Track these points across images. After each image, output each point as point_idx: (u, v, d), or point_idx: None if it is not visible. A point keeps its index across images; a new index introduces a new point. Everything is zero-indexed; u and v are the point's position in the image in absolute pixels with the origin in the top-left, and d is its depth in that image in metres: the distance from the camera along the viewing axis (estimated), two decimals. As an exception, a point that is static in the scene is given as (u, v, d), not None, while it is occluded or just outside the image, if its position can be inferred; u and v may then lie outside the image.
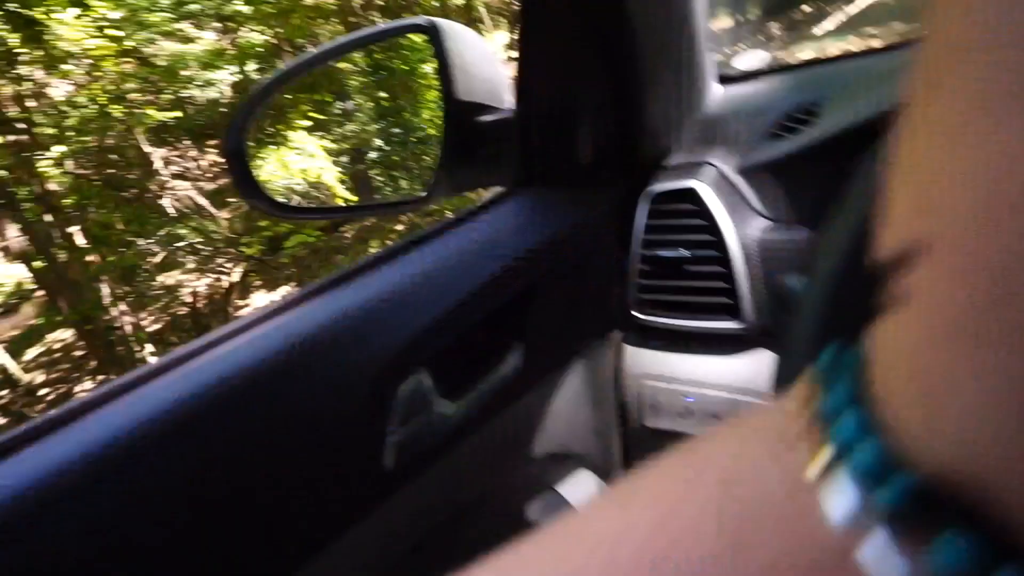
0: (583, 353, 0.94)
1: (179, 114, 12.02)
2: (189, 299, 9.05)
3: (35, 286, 12.25)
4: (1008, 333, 0.14)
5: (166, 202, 9.87)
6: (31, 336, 12.65)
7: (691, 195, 0.92)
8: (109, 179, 9.75)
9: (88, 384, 11.76)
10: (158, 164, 10.46)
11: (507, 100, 0.97)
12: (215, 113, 14.16)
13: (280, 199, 1.14)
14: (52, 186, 9.23)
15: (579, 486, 0.88)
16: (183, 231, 9.73)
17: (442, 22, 0.92)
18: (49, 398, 11.43)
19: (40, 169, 8.84)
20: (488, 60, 0.97)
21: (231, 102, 16.35)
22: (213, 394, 0.55)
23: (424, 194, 0.95)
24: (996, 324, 0.14)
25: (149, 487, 0.50)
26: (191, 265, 10.49)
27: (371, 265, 0.75)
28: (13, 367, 11.26)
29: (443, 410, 0.72)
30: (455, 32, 0.92)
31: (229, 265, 9.16)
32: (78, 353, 12.10)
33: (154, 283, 10.14)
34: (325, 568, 0.62)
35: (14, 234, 9.74)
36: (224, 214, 11.20)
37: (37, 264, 9.66)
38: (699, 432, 0.85)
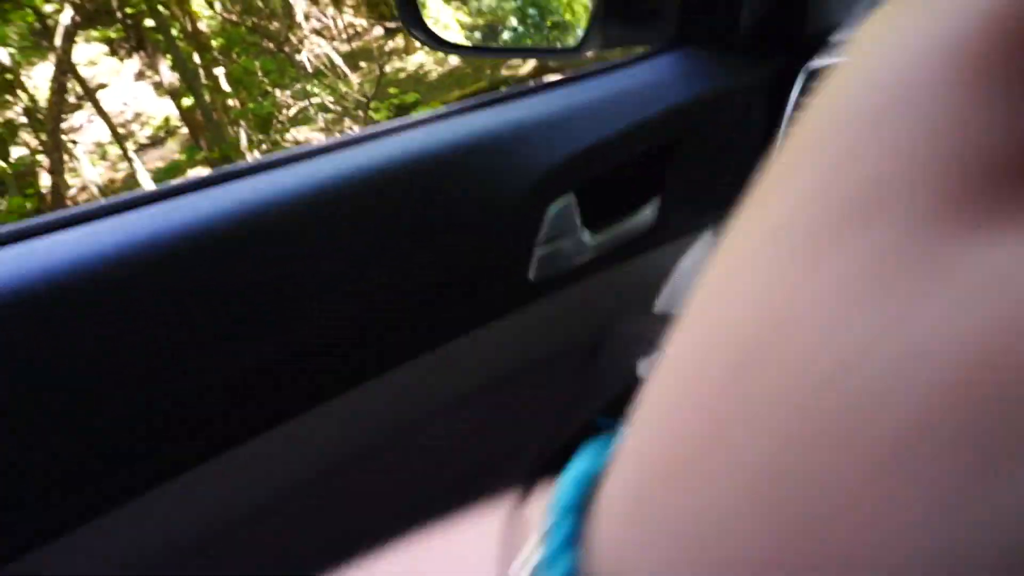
0: (716, 221, 0.92)
1: (324, -31, 12.07)
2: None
3: (180, 123, 13.08)
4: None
5: (303, 57, 10.10)
6: (173, 170, 13.63)
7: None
8: (254, 26, 10.04)
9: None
10: (299, 18, 10.66)
11: None
12: (358, -28, 14.07)
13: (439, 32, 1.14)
14: (202, 26, 9.63)
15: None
16: (316, 88, 9.99)
17: None
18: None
19: (192, 8, 9.21)
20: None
21: (375, -37, 16.17)
22: (364, 181, 0.59)
23: (576, 45, 0.93)
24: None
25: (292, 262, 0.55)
26: (320, 123, 10.85)
27: (527, 92, 0.76)
28: (157, 195, 12.22)
29: (583, 238, 0.74)
30: None
31: (356, 128, 9.39)
32: (213, 191, 12.97)
33: (286, 135, 10.59)
34: (452, 358, 0.67)
35: (166, 71, 10.28)
36: (356, 77, 11.40)
37: (184, 101, 10.26)
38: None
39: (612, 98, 0.78)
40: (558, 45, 1.02)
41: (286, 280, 0.55)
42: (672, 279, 0.90)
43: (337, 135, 9.51)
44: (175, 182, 0.56)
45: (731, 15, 0.89)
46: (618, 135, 0.75)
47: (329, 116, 10.61)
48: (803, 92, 0.88)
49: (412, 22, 1.04)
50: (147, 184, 11.80)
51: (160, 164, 14.25)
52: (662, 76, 0.85)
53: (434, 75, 16.10)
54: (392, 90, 9.97)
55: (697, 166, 0.86)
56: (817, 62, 0.89)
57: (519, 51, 1.06)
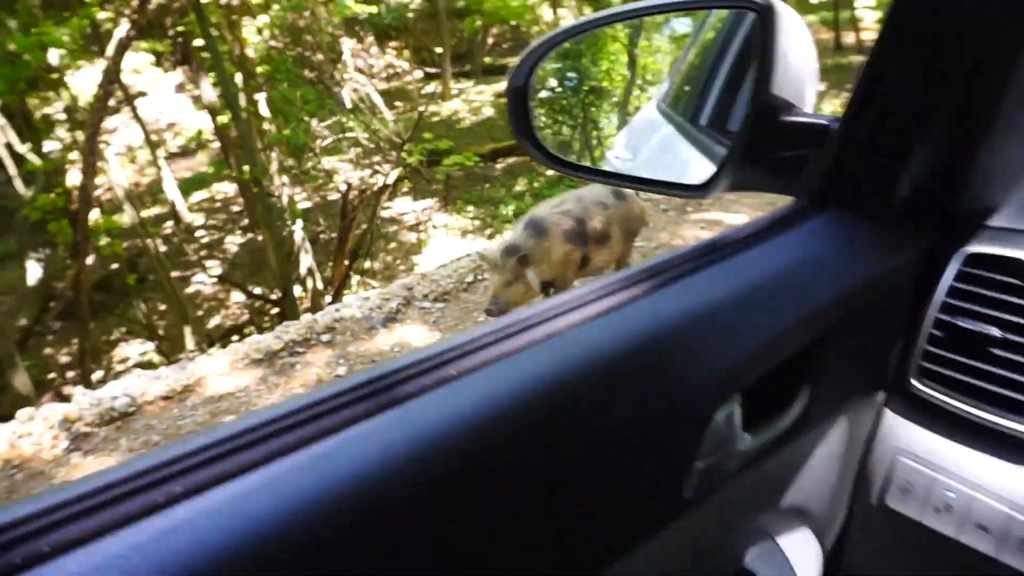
0: (847, 408, 0.85)
1: (374, 9, 12.37)
2: (343, 187, 9.43)
3: (213, 138, 13.28)
4: None
5: (344, 92, 10.23)
6: (199, 182, 13.77)
7: (1019, 268, 0.79)
8: (299, 57, 10.21)
9: (237, 239, 12.72)
10: (346, 55, 10.85)
11: (810, 102, 0.87)
12: (403, 15, 14.40)
13: (552, 150, 1.10)
14: (250, 52, 9.80)
15: (799, 545, 0.81)
16: (353, 123, 10.10)
17: (779, 4, 0.83)
18: (203, 240, 12.45)
19: (242, 35, 9.38)
20: (808, 56, 0.87)
21: (420, 8, 16.56)
22: (524, 393, 0.52)
23: (702, 183, 0.88)
24: None
25: (460, 482, 0.48)
26: (350, 155, 10.94)
27: (676, 269, 0.69)
28: (181, 204, 12.32)
29: (742, 444, 0.67)
30: (787, 19, 0.82)
31: (386, 167, 9.44)
32: (235, 208, 13.07)
33: (317, 165, 10.63)
34: None
35: (207, 88, 10.42)
36: (390, 115, 11.54)
37: (220, 119, 10.40)
38: (952, 534, 0.73)
39: (774, 278, 0.71)
40: (683, 181, 0.96)
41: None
42: (811, 470, 0.83)
43: (365, 170, 9.53)
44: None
45: (888, 181, 0.83)
46: (786, 329, 0.69)
47: (360, 151, 10.71)
48: (959, 278, 0.82)
49: (524, 132, 1.01)
50: (171, 190, 11.90)
51: (187, 174, 14.38)
52: (817, 250, 0.79)
53: (467, 123, 16.33)
54: (427, 135, 10.06)
55: (845, 347, 0.79)
56: (975, 247, 0.83)
57: (637, 181, 1.00)
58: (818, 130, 0.84)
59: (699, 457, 0.63)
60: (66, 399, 9.09)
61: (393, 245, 12.96)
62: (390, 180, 9.32)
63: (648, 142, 1.76)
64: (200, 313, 11.35)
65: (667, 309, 0.63)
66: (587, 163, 1.29)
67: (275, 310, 10.99)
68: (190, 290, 11.94)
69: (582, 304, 0.62)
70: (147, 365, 10.03)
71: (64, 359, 10.52)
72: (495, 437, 0.51)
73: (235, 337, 10.74)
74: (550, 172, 14.60)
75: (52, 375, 10.04)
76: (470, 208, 13.83)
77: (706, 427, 0.63)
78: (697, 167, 1.22)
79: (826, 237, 0.82)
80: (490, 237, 12.58)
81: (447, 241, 11.46)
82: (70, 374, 10.03)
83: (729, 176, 0.88)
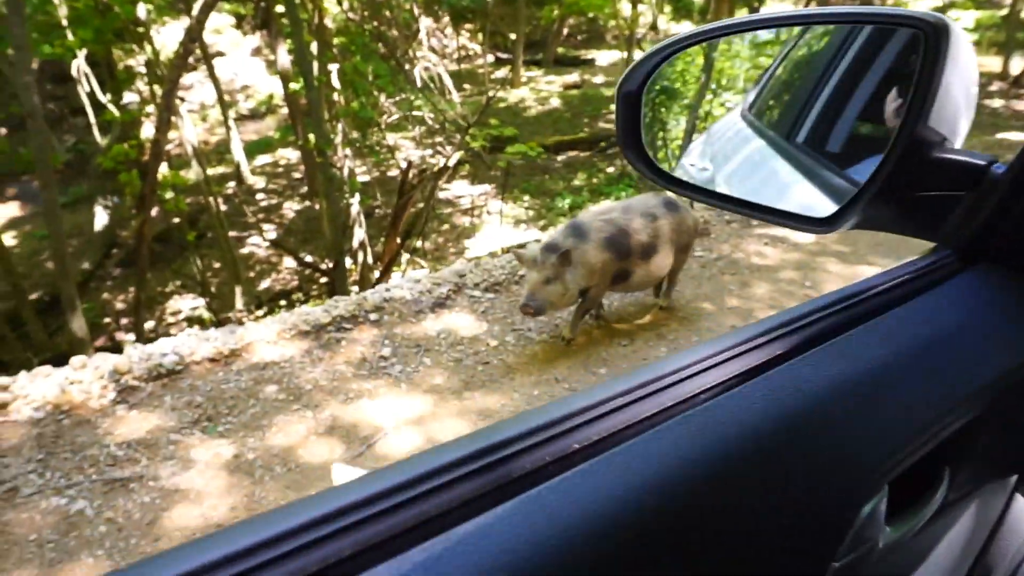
0: (981, 491, 0.75)
1: (452, -11, 12.34)
2: (403, 164, 9.43)
3: (283, 104, 13.46)
4: None
5: (416, 70, 10.22)
6: (266, 145, 14.01)
7: None
8: (375, 32, 10.24)
9: (294, 205, 12.90)
10: (422, 34, 10.84)
11: (962, 137, 0.77)
12: (483, -1, 14.30)
13: (661, 166, 1.02)
14: (328, 22, 9.87)
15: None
16: (421, 102, 10.09)
17: (953, 25, 0.72)
18: (262, 203, 12.65)
19: (323, 4, 9.43)
20: (971, 85, 0.76)
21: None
22: (660, 482, 0.44)
23: (827, 216, 0.78)
24: None
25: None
26: (414, 134, 10.96)
27: (817, 323, 0.60)
28: (245, 166, 12.55)
29: (883, 540, 0.57)
30: (958, 42, 0.71)
31: (448, 148, 9.41)
32: (296, 175, 13.25)
33: (381, 141, 10.68)
34: None
35: (283, 54, 10.52)
36: (458, 96, 11.49)
37: (292, 86, 10.51)
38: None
39: (928, 345, 0.61)
40: (805, 213, 0.86)
41: None
42: (935, 558, 0.73)
43: (425, 146, 9.53)
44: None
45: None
46: (945, 409, 0.59)
47: (423, 130, 10.72)
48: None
49: (629, 143, 0.93)
50: (237, 151, 12.12)
51: (254, 137, 14.63)
52: (975, 313, 0.68)
53: (533, 112, 16.22)
54: (493, 120, 9.99)
55: (995, 432, 0.69)
56: None
57: (756, 208, 0.90)
58: (974, 171, 0.74)
59: (838, 557, 0.54)
60: (119, 346, 9.37)
61: (446, 227, 12.98)
62: (451, 162, 9.28)
63: (734, 155, 1.65)
64: (252, 275, 11.56)
65: (813, 378, 0.54)
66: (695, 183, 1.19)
67: (324, 280, 11.13)
68: (244, 251, 12.17)
69: (715, 360, 0.54)
70: (197, 320, 10.26)
71: (120, 306, 10.84)
72: (629, 531, 0.43)
73: (283, 302, 10.91)
74: (610, 169, 14.44)
75: (107, 320, 10.36)
76: (526, 198, 13.76)
77: (851, 525, 0.54)
78: (800, 191, 1.12)
79: (984, 298, 0.71)
80: (543, 228, 12.50)
81: (500, 229, 11.40)
82: (124, 321, 10.33)
83: (860, 212, 0.78)
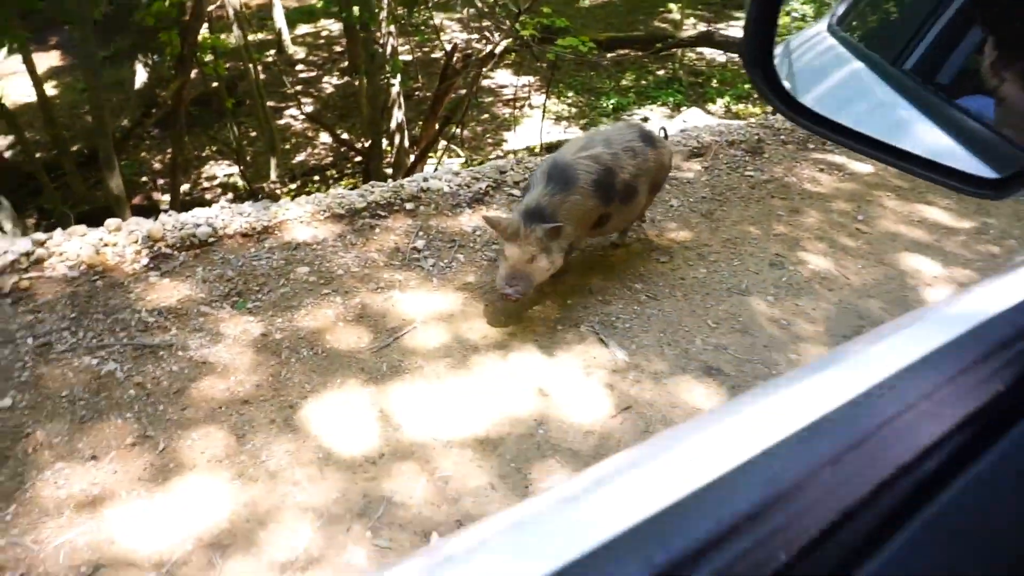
0: None
1: None
2: (448, 47, 9.05)
3: (328, -30, 12.87)
4: None
5: (470, -56, 9.62)
6: (308, 14, 13.52)
7: None
8: None
9: (334, 80, 12.57)
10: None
11: None
12: None
13: (797, 98, 0.88)
14: None
15: None
16: (471, -20, 9.56)
17: None
18: (301, 74, 12.35)
19: None
20: None
21: None
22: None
23: (997, 178, 0.66)
24: None
25: None
26: (461, 14, 10.46)
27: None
28: (286, 34, 12.16)
29: None
30: None
31: (496, 35, 8.97)
32: (338, 49, 12.84)
33: (428, 21, 10.21)
34: None
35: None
36: (511, -20, 10.86)
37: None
38: None
39: None
40: (970, 172, 0.70)
41: None
42: None
43: (473, 30, 9.07)
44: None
45: None
46: None
47: (472, 12, 10.21)
48: None
49: (758, 63, 0.81)
50: (279, 18, 11.72)
51: (296, 4, 14.11)
52: None
53: (587, 3, 15.38)
54: (545, 9, 9.46)
55: None
56: None
57: (902, 157, 0.73)
58: None
59: None
60: (155, 204, 9.42)
61: (485, 117, 12.63)
62: (497, 49, 8.87)
63: (825, 75, 1.47)
64: (287, 147, 11.44)
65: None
66: (848, 123, 0.96)
67: (358, 159, 10.98)
68: (281, 122, 12.00)
69: (894, 396, 0.38)
70: (231, 187, 10.26)
71: (157, 165, 10.86)
72: None
73: (316, 178, 10.85)
74: (661, 72, 13.77)
75: (144, 179, 10.40)
76: (570, 94, 13.27)
77: None
78: (924, 132, 0.97)
79: None
80: (583, 127, 12.12)
81: (541, 124, 11.04)
82: (160, 181, 10.36)
83: None
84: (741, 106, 12.55)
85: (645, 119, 12.30)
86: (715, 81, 13.39)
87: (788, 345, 3.05)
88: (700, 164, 4.80)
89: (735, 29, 14.41)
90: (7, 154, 10.05)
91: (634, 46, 13.77)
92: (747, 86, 13.30)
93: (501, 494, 2.23)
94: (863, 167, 4.96)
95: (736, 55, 13.25)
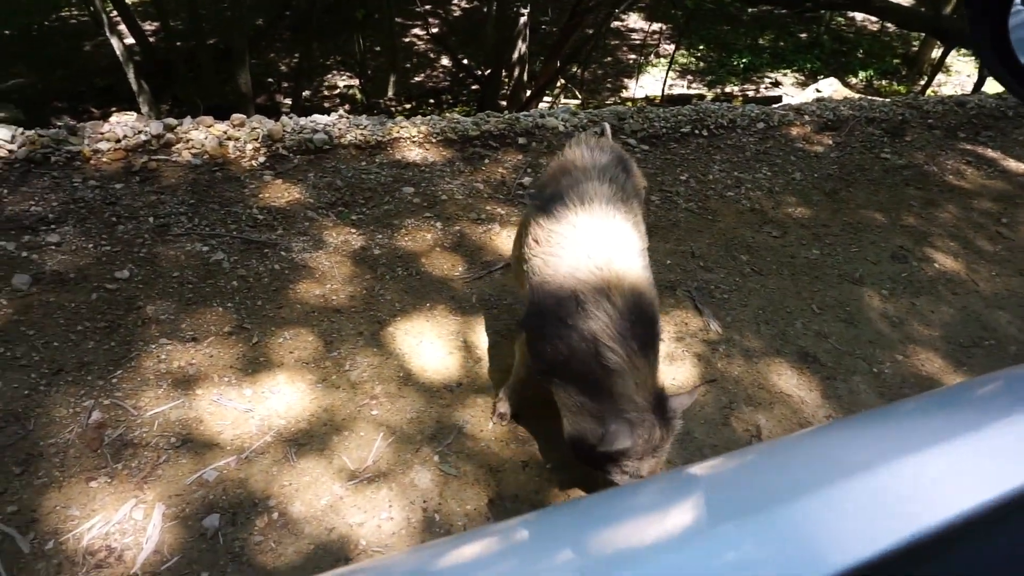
0: None
1: None
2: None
3: None
4: None
5: None
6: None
7: None
8: None
9: (463, 3, 12.41)
10: None
11: None
12: None
13: None
14: None
15: None
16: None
17: None
18: (430, -4, 12.24)
19: None
20: None
21: None
22: None
23: None
24: None
25: None
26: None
27: None
28: (421, -48, 12.04)
29: None
30: None
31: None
32: (471, -28, 12.63)
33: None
34: None
35: None
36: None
37: None
38: None
39: None
40: None
41: None
42: None
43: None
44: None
45: None
46: None
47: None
48: None
49: (986, 34, 0.71)
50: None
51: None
52: None
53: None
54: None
55: None
56: None
57: None
58: None
59: None
60: (277, 106, 9.69)
61: (608, 60, 12.23)
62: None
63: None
64: (408, 66, 11.48)
65: None
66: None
67: (475, 87, 10.91)
68: (405, 40, 12.02)
69: None
70: (350, 99, 10.44)
71: (283, 69, 11.16)
72: None
73: (431, 100, 10.87)
74: (803, 35, 12.86)
75: (270, 80, 10.72)
76: (702, 47, 12.63)
77: None
78: None
79: None
80: (709, 86, 11.55)
81: (665, 74, 10.60)
82: (285, 85, 10.66)
83: None
84: (885, 82, 11.62)
85: (776, 83, 11.59)
86: (861, 52, 12.43)
87: (896, 344, 2.85)
88: (832, 139, 4.48)
89: (896, -3, 13.21)
90: (152, 39, 10.55)
91: (779, 2, 12.90)
92: (896, 60, 12.27)
93: (570, 444, 2.21)
94: (1019, 165, 4.50)
95: (893, 24, 12.18)
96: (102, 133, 3.19)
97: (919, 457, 0.59)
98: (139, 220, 2.82)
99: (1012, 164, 4.52)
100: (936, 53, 11.15)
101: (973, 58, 11.87)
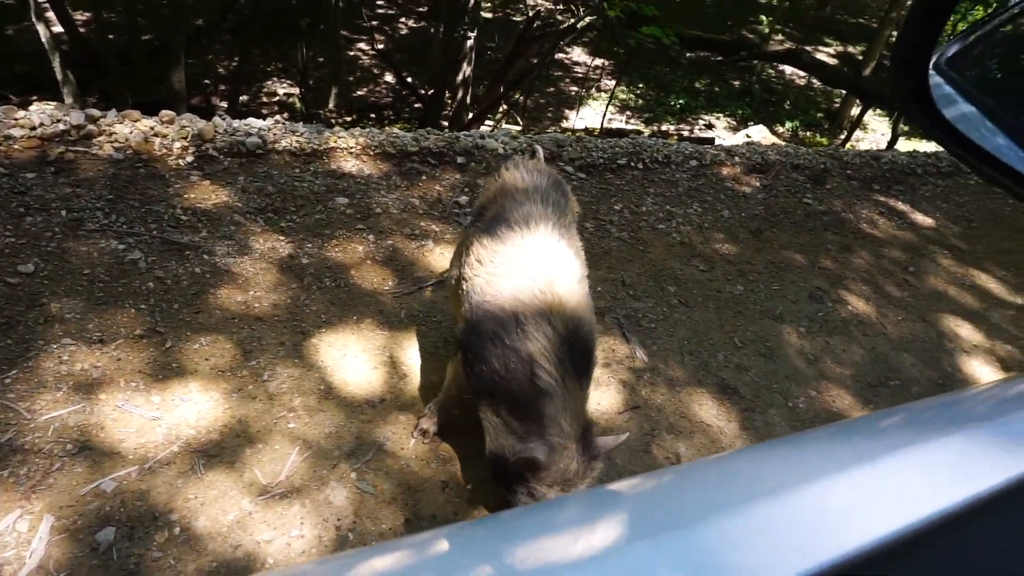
0: None
1: None
2: (531, 12, 8.87)
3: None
4: None
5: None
6: (398, -49, 13.34)
7: None
8: None
9: (411, 22, 12.43)
10: None
11: None
12: None
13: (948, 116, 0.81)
14: None
15: None
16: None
17: None
18: (380, 9, 12.23)
19: None
20: None
21: None
22: None
23: None
24: None
25: None
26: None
27: None
28: (371, -33, 12.01)
29: None
30: None
31: (582, 10, 8.79)
32: (420, -8, 12.68)
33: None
34: None
35: None
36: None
37: None
38: None
39: None
40: None
41: None
42: None
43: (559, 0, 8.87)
44: None
45: None
46: None
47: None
48: None
49: (909, 64, 0.74)
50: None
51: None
52: None
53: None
54: (637, -8, 9.22)
55: None
56: None
57: None
58: None
59: None
60: (212, 109, 9.41)
61: (551, 90, 12.44)
62: (580, 24, 8.69)
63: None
64: (351, 79, 11.38)
65: None
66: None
67: (418, 106, 10.89)
68: (350, 54, 11.92)
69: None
70: (288, 107, 10.25)
71: (221, 71, 10.87)
72: None
73: (372, 115, 10.78)
74: (736, 83, 13.44)
75: (207, 82, 10.42)
76: (641, 85, 13.01)
77: None
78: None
79: None
80: (647, 123, 11.90)
81: (605, 108, 10.85)
82: (222, 88, 10.37)
83: None
84: (809, 133, 12.23)
85: (710, 125, 12.03)
86: (788, 103, 13.06)
87: (811, 381, 2.95)
88: (759, 181, 4.66)
89: (823, 55, 13.99)
90: (83, 30, 10.12)
91: (716, 49, 13.42)
92: (819, 114, 12.96)
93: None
94: (925, 219, 4.78)
95: (818, 80, 12.87)
96: (16, 119, 3.01)
97: (826, 481, 0.61)
98: (50, 212, 2.66)
99: (919, 217, 4.80)
100: (855, 111, 11.83)
101: (888, 118, 12.65)
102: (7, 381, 2.01)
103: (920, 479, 0.59)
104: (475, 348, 1.79)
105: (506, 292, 1.77)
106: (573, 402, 1.70)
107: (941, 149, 7.80)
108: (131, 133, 3.16)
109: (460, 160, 3.85)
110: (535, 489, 1.67)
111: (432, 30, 11.61)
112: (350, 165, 3.53)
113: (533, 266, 1.80)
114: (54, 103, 5.52)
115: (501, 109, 10.32)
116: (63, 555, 1.65)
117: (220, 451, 1.99)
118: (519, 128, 10.30)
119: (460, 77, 9.23)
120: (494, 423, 1.75)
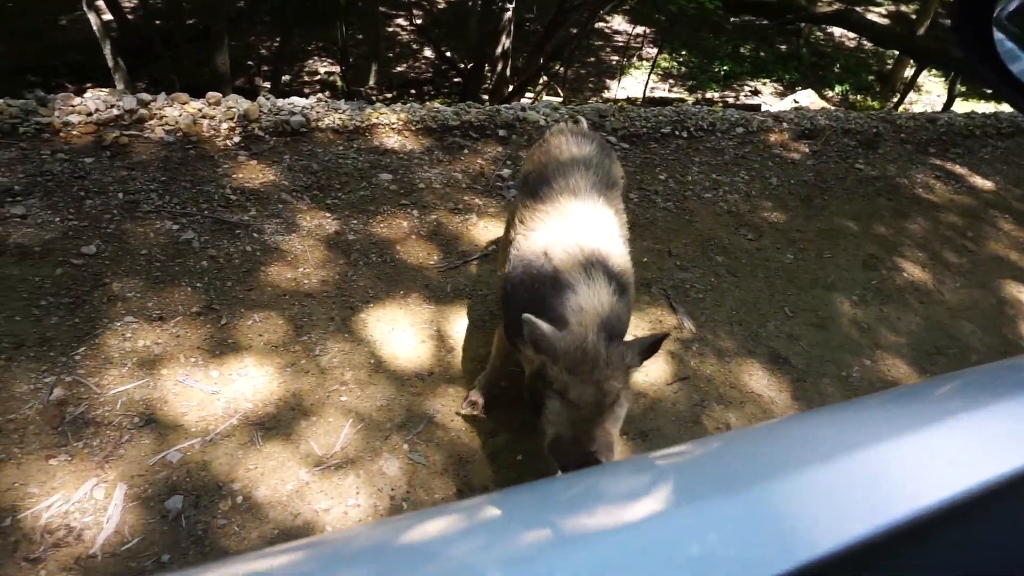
0: None
1: None
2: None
3: None
4: None
5: None
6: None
7: None
8: None
9: (447, -4, 12.32)
10: None
11: None
12: None
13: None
14: None
15: None
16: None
17: None
18: (415, -13, 12.15)
19: None
20: None
21: None
22: None
23: None
24: None
25: None
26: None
27: None
28: (407, -59, 11.94)
29: None
30: None
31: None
32: (457, -36, 12.57)
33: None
34: None
35: None
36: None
37: None
38: None
39: None
40: None
41: None
42: None
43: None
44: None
45: None
46: None
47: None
48: None
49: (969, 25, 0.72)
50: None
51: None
52: None
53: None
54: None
55: None
56: None
57: None
58: None
59: None
60: (256, 89, 9.54)
61: (591, 60, 12.25)
62: (620, -9, 8.50)
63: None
64: (390, 55, 11.39)
65: None
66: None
67: (457, 80, 10.86)
68: (388, 30, 11.92)
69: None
70: (330, 86, 10.32)
71: (264, 52, 11.00)
72: None
73: (412, 91, 10.79)
74: (783, 47, 13.01)
75: (250, 63, 10.56)
76: (684, 52, 12.72)
77: None
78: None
79: None
80: (690, 91, 11.64)
81: (647, 77, 10.65)
82: (264, 68, 10.50)
83: None
84: (860, 97, 11.81)
85: (756, 91, 11.72)
86: (838, 66, 12.62)
87: (864, 350, 2.89)
88: (809, 147, 4.53)
89: (874, 15, 13.44)
90: (130, 17, 10.33)
91: (761, 13, 13.01)
92: (871, 77, 12.48)
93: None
94: (984, 182, 4.60)
95: (869, 42, 12.38)
96: (73, 106, 3.10)
97: (886, 445, 0.60)
98: (108, 195, 2.75)
99: (978, 181, 4.61)
100: (909, 72, 11.36)
101: (943, 78, 12.12)
102: (77, 358, 2.10)
103: (976, 445, 0.58)
104: (507, 294, 1.82)
105: (542, 242, 1.80)
106: (598, 303, 1.61)
107: (1000, 109, 7.44)
108: (180, 116, 3.23)
109: (502, 133, 3.84)
110: (560, 379, 1.52)
111: (470, 3, 11.52)
112: (392, 141, 3.55)
113: (574, 226, 1.82)
114: (107, 89, 5.67)
115: (541, 81, 10.22)
116: (136, 521, 1.73)
117: (276, 423, 2.05)
118: (560, 99, 10.19)
119: (499, 50, 9.16)
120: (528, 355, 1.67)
